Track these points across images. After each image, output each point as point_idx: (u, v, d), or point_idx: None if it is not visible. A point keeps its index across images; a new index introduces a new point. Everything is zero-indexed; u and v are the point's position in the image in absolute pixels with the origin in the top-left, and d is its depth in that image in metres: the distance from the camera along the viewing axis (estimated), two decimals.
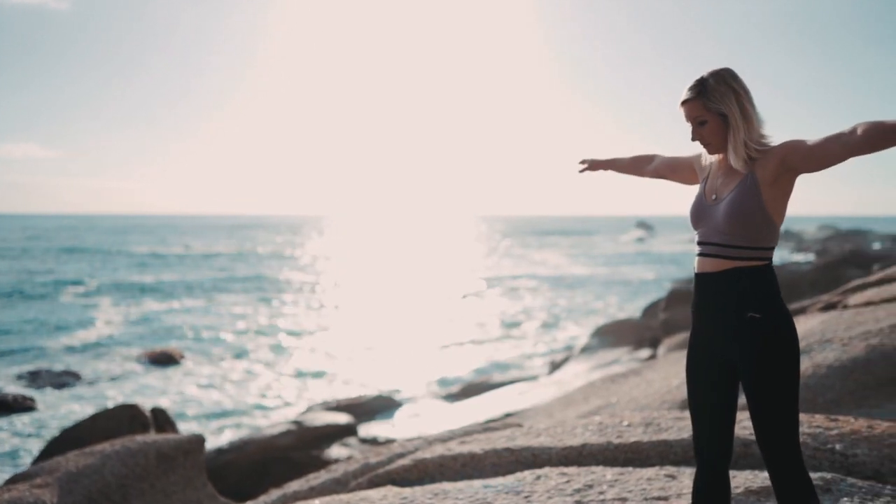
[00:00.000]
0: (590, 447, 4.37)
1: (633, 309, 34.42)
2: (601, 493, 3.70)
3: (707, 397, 2.78)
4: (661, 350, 17.75)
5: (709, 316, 2.74)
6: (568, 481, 3.89)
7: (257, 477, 12.54)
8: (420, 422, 15.90)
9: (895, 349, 6.70)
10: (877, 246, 43.43)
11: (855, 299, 9.20)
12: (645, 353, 19.40)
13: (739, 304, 2.64)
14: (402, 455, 5.14)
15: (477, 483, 4.04)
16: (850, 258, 25.25)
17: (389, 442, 13.88)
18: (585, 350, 21.91)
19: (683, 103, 2.76)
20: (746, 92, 2.68)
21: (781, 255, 58.39)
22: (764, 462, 2.66)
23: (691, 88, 2.73)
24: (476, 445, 4.66)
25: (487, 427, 5.56)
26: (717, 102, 2.67)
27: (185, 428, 15.98)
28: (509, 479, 4.03)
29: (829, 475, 3.68)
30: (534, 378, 19.74)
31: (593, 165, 3.46)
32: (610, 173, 3.47)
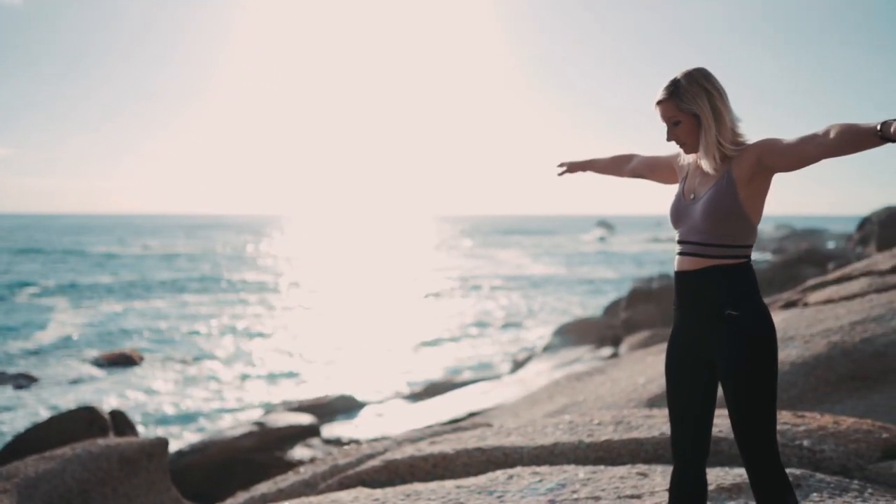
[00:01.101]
0: (561, 446, 4.37)
1: (594, 308, 34.66)
2: (574, 492, 3.69)
3: (685, 395, 2.79)
4: (623, 348, 17.89)
5: (688, 314, 2.75)
6: (540, 480, 3.88)
7: (219, 479, 12.38)
8: (383, 422, 15.83)
9: (855, 346, 6.82)
10: (831, 245, 44.29)
11: (815, 297, 9.34)
12: (607, 351, 19.54)
13: (717, 302, 2.64)
14: (371, 456, 5.09)
15: (449, 483, 4.01)
16: (805, 257, 25.67)
17: (353, 442, 13.80)
18: (548, 349, 22.01)
19: (657, 104, 2.76)
20: (720, 91, 2.68)
21: None
22: (742, 459, 2.66)
23: (665, 89, 2.73)
24: (447, 445, 4.63)
25: (457, 427, 5.53)
26: (689, 103, 2.67)
27: (146, 431, 15.73)
28: (481, 479, 4.00)
29: (798, 471, 3.72)
30: (497, 377, 19.77)
31: (572, 167, 3.45)
32: (589, 174, 3.46)
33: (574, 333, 22.79)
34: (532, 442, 4.46)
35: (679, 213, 2.80)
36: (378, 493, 4.08)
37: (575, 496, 3.64)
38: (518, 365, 21.29)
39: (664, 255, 76.26)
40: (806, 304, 9.32)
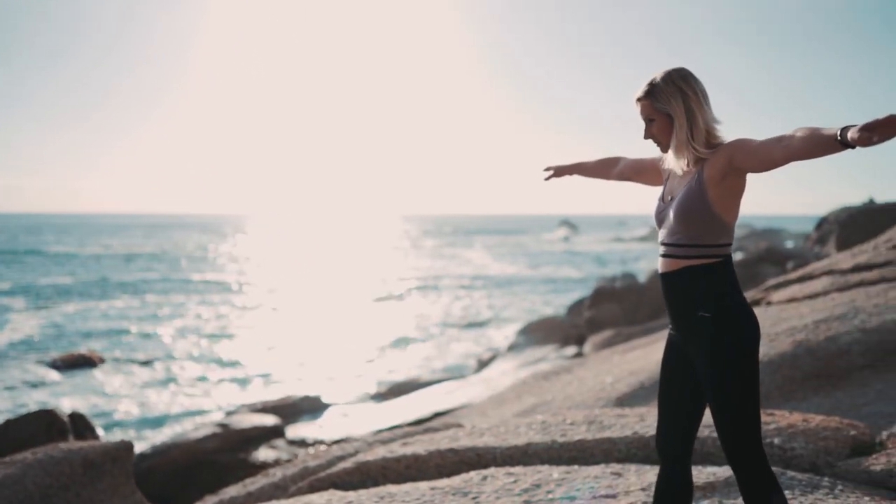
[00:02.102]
0: (534, 446, 4.35)
1: (558, 307, 34.82)
2: (549, 492, 3.67)
3: (675, 392, 2.81)
4: (587, 347, 17.99)
5: (672, 315, 2.77)
6: (515, 481, 3.85)
7: (182, 482, 12.22)
8: (348, 422, 15.73)
9: (819, 345, 6.90)
10: (790, 244, 44.96)
11: (778, 296, 9.46)
12: (571, 350, 19.64)
13: (692, 304, 2.65)
14: (342, 458, 5.03)
15: (423, 485, 3.96)
16: (765, 256, 26.00)
17: (318, 443, 13.71)
18: (512, 348, 22.07)
19: (636, 101, 2.78)
20: (696, 93, 2.67)
21: None
22: (727, 461, 2.66)
23: (643, 88, 2.75)
24: (419, 446, 4.59)
25: (429, 428, 5.49)
26: (664, 102, 2.69)
27: (106, 434, 15.46)
28: (455, 481, 3.97)
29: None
30: (462, 377, 19.76)
31: (559, 171, 3.45)
32: (571, 177, 3.48)
33: (538, 333, 22.87)
34: (505, 442, 4.44)
35: (659, 214, 2.82)
36: (351, 495, 4.02)
37: (550, 496, 3.62)
38: (483, 364, 21.30)
39: (627, 255, 76.97)
40: (769, 303, 9.43)
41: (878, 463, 4.00)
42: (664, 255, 2.75)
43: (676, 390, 2.80)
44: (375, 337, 28.39)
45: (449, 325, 31.88)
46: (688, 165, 2.70)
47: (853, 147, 2.15)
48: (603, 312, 23.08)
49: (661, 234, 2.78)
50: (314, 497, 4.12)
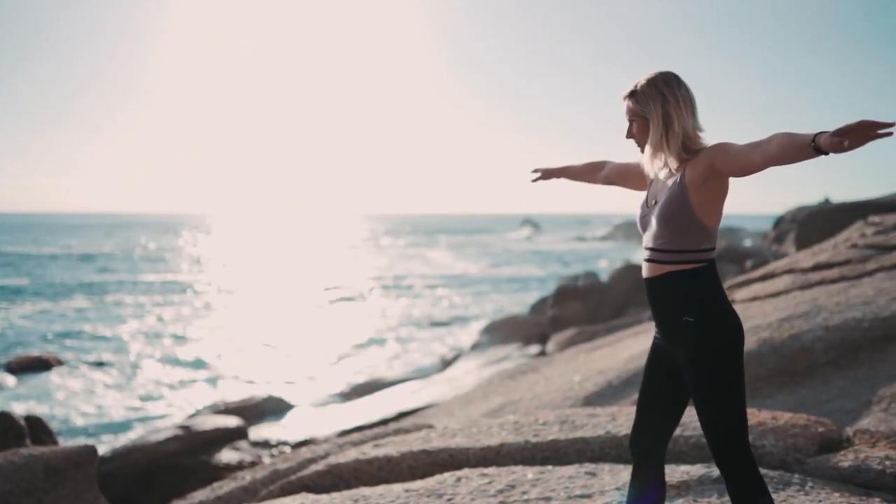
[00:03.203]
0: (507, 447, 4.33)
1: (521, 306, 34.94)
2: (524, 493, 3.65)
3: (655, 395, 2.83)
4: (550, 346, 18.05)
5: (656, 319, 2.79)
6: (490, 482, 3.83)
7: (143, 486, 12.02)
8: (312, 423, 15.60)
9: (783, 342, 7.00)
10: (748, 243, 45.62)
11: (741, 294, 9.57)
12: (534, 349, 19.69)
13: (676, 309, 2.66)
14: (312, 460, 4.96)
15: (397, 487, 3.92)
16: (724, 254, 26.34)
17: (282, 444, 13.58)
18: (476, 347, 22.08)
19: (623, 99, 2.81)
20: (678, 99, 2.67)
21: None
22: (714, 462, 2.68)
23: (628, 88, 2.78)
24: (391, 448, 4.55)
25: (400, 429, 5.44)
26: (643, 105, 2.71)
27: (64, 438, 15.16)
28: (430, 482, 3.93)
29: None
30: (425, 376, 19.72)
31: (546, 174, 3.46)
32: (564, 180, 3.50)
33: (501, 331, 22.91)
34: (478, 443, 4.41)
35: (642, 219, 2.82)
36: (324, 498, 3.97)
37: (525, 497, 3.60)
38: (446, 364, 21.28)
39: (590, 253, 77.53)
40: (733, 301, 9.53)
41: (846, 459, 4.05)
42: (648, 260, 2.75)
43: (658, 392, 2.82)
44: (338, 337, 28.22)
45: (412, 325, 31.82)
46: (662, 169, 2.72)
47: (826, 153, 2.17)
48: (566, 311, 23.20)
49: (645, 239, 2.78)
50: (286, 500, 4.06)
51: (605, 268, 41.28)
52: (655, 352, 2.84)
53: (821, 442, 4.29)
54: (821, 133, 2.17)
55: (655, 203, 2.75)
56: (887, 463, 3.97)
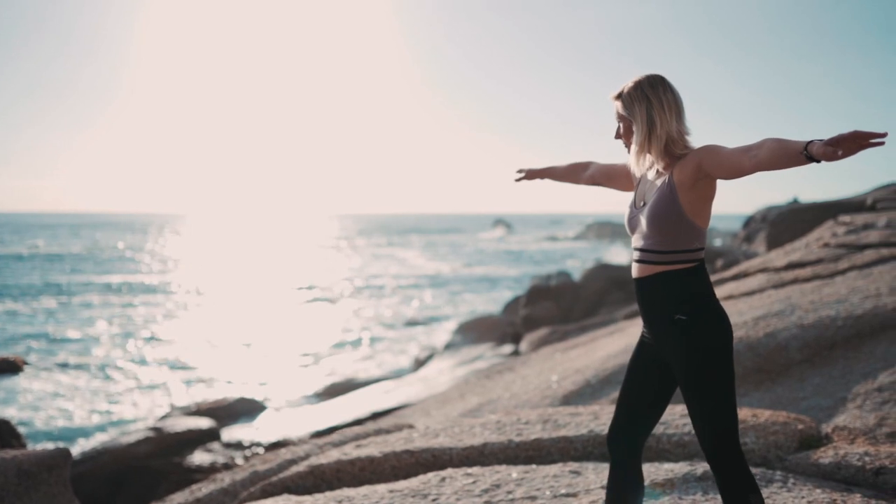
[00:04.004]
0: (491, 446, 4.31)
1: (494, 305, 34.99)
2: (509, 492, 3.63)
3: (638, 392, 2.83)
4: (524, 345, 18.08)
5: (645, 319, 2.79)
6: (474, 482, 3.81)
7: (114, 488, 11.86)
8: (285, 424, 15.49)
9: (759, 341, 7.04)
10: (718, 243, 46.06)
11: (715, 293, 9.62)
12: (507, 348, 19.71)
13: (668, 308, 2.67)
14: (293, 461, 4.90)
15: (381, 488, 3.88)
16: None
17: (255, 445, 13.46)
18: (449, 347, 22.07)
19: (612, 101, 2.85)
20: (662, 102, 2.69)
21: (631, 253, 60.88)
22: (706, 460, 2.70)
23: (617, 90, 2.80)
24: (374, 448, 4.50)
25: (380, 429, 5.40)
26: (627, 107, 2.74)
27: (33, 442, 14.92)
28: (414, 483, 3.90)
29: None
30: (398, 376, 19.68)
31: (530, 175, 3.47)
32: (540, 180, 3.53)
33: (475, 331, 22.93)
34: (461, 443, 4.39)
35: (631, 219, 2.84)
36: (307, 499, 3.92)
37: (511, 496, 3.58)
38: (420, 363, 21.24)
39: (562, 253, 77.87)
40: None
41: (826, 456, 4.08)
42: (638, 261, 2.76)
43: (641, 390, 2.83)
44: (311, 337, 28.08)
45: (385, 325, 31.73)
46: (649, 170, 2.75)
47: (818, 161, 2.19)
48: (539, 310, 23.24)
49: (635, 240, 2.80)
50: (267, 502, 4.01)
51: (577, 267, 41.46)
52: (641, 350, 2.85)
53: (801, 439, 4.32)
54: (812, 142, 2.18)
55: (644, 204, 2.76)
56: (866, 459, 4.00)
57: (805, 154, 2.20)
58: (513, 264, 65.42)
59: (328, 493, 3.92)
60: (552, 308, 23.54)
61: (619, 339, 8.95)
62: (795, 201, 34.40)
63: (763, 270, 9.98)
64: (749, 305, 8.18)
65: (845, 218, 12.37)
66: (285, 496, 4.07)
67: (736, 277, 10.25)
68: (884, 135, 2.09)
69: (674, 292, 2.65)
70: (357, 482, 4.26)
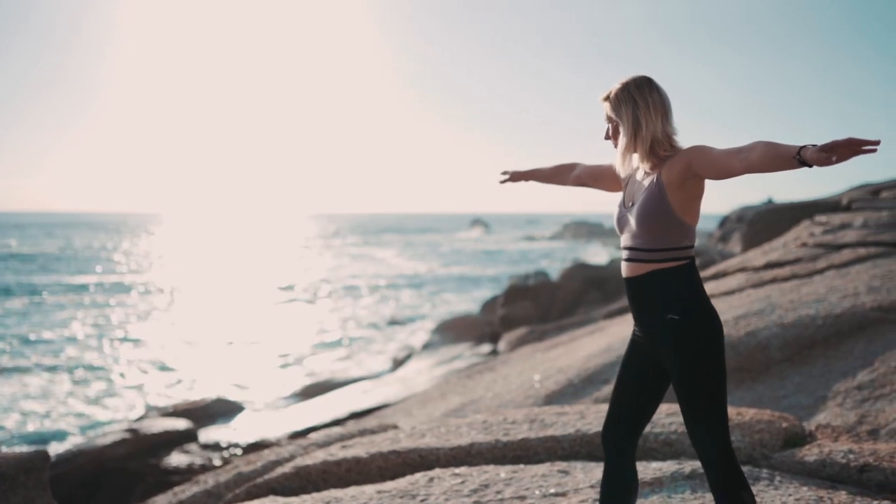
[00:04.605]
0: (478, 446, 4.29)
1: (472, 305, 35.00)
2: (498, 492, 3.62)
3: (631, 390, 2.84)
4: (502, 345, 18.10)
5: (637, 318, 2.80)
6: (463, 482, 3.79)
7: (90, 491, 11.73)
8: (263, 424, 15.39)
9: (740, 340, 7.09)
10: None
11: None
12: (486, 348, 19.72)
13: (659, 307, 2.68)
14: (277, 462, 4.85)
15: (369, 489, 3.85)
16: None
17: (233, 446, 13.36)
18: (427, 346, 22.05)
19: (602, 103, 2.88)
20: (648, 104, 2.71)
21: (609, 253, 61.34)
22: (698, 458, 2.71)
23: (605, 92, 2.83)
24: (360, 449, 4.47)
25: (365, 429, 5.36)
26: (614, 109, 2.77)
27: (6, 444, 14.72)
28: (402, 483, 3.87)
29: None
30: (377, 376, 19.63)
31: (514, 177, 3.48)
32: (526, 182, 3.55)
33: (453, 331, 22.92)
34: (448, 443, 4.36)
35: (620, 219, 2.85)
36: (294, 501, 3.88)
37: (500, 496, 3.56)
38: (398, 363, 21.20)
39: (540, 253, 78.10)
40: None
41: (811, 454, 4.11)
42: (629, 260, 2.77)
43: (634, 388, 2.84)
44: (288, 338, 27.93)
45: (363, 325, 31.65)
46: (637, 170, 2.78)
47: (811, 166, 2.22)
48: (516, 310, 23.26)
49: (624, 239, 2.81)
50: None
51: (555, 267, 41.57)
52: (634, 348, 2.86)
53: (785, 437, 4.34)
54: (805, 147, 2.21)
55: (633, 204, 2.78)
56: (851, 457, 4.03)
57: (798, 158, 2.23)
58: (490, 264, 65.51)
59: (315, 495, 3.88)
60: (530, 308, 23.57)
61: (601, 339, 8.96)
62: (770, 201, 34.73)
63: (742, 270, 10.04)
64: (729, 305, 8.23)
65: (821, 218, 12.48)
66: (271, 498, 4.02)
67: (715, 277, 10.31)
68: (877, 142, 2.12)
69: (666, 291, 2.66)
70: (344, 483, 4.23)
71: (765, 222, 16.08)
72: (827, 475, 3.98)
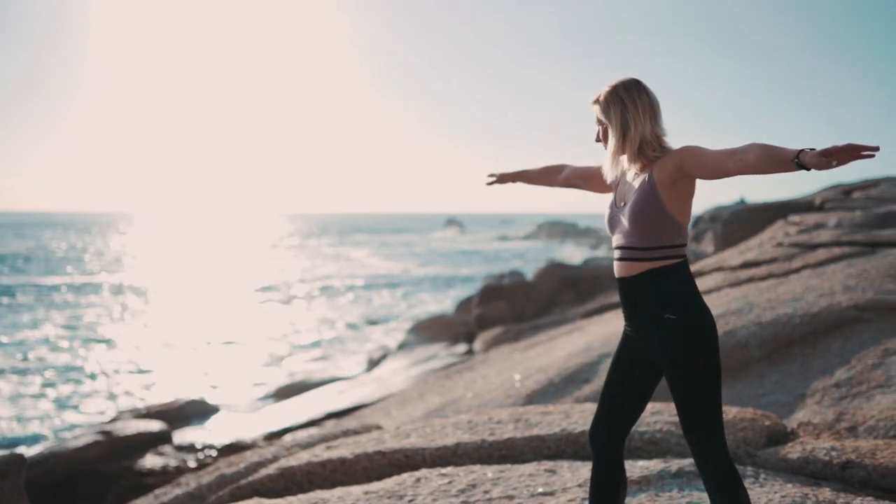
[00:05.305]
0: (464, 446, 4.27)
1: (447, 305, 34.99)
2: (486, 492, 3.60)
3: (622, 388, 2.84)
4: (478, 345, 18.11)
5: (630, 317, 2.79)
6: (450, 482, 3.76)
7: (62, 495, 11.56)
8: (238, 425, 15.28)
9: (719, 339, 7.08)
10: None
11: None
12: (461, 348, 19.72)
13: (655, 306, 2.68)
14: (261, 464, 4.80)
15: (356, 489, 3.81)
16: None
17: (208, 448, 13.25)
18: (402, 346, 22.01)
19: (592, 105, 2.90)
20: (637, 106, 2.73)
21: (582, 253, 61.65)
22: (693, 456, 2.71)
23: (595, 95, 2.84)
24: (345, 450, 4.43)
25: (348, 430, 5.32)
26: (603, 112, 2.78)
27: None
28: (389, 484, 3.84)
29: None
30: (352, 376, 19.56)
31: (502, 178, 3.48)
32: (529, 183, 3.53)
33: (428, 331, 22.89)
34: (433, 443, 4.34)
35: (612, 220, 2.85)
36: (279, 502, 3.83)
37: (488, 496, 3.54)
38: (373, 363, 21.15)
39: (514, 253, 78.28)
40: None
41: (794, 451, 4.14)
42: (622, 259, 2.77)
43: (624, 386, 2.84)
44: (263, 338, 27.75)
45: (338, 325, 31.53)
46: (628, 170, 2.78)
47: (808, 169, 2.23)
48: (492, 310, 23.28)
49: (616, 239, 2.81)
50: None
51: (529, 267, 41.67)
52: (626, 346, 2.86)
53: (768, 435, 4.37)
54: (804, 150, 2.22)
55: (624, 204, 2.79)
56: (833, 454, 4.07)
57: (797, 162, 2.24)
58: (465, 264, 65.56)
59: (301, 496, 3.84)
60: (505, 308, 23.59)
61: (580, 339, 8.98)
62: (742, 202, 35.06)
63: (719, 269, 10.12)
64: (707, 304, 8.26)
65: (795, 218, 12.61)
66: (256, 499, 3.97)
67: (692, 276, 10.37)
68: (876, 148, 2.14)
69: (661, 290, 2.67)
70: (329, 484, 4.19)
71: (739, 222, 16.23)
72: (810, 472, 4.01)
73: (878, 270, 8.19)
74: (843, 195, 15.44)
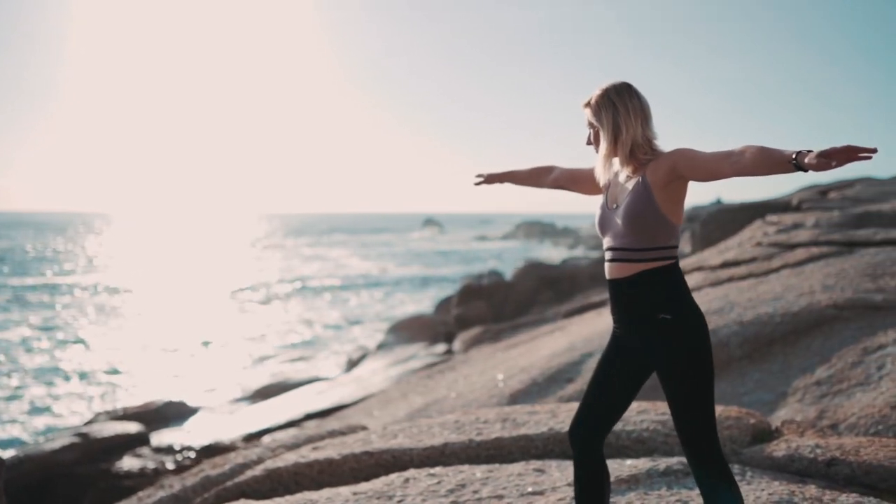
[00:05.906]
0: (451, 446, 4.26)
1: (426, 305, 34.98)
2: (475, 492, 3.59)
3: (608, 387, 2.83)
4: (457, 345, 18.11)
5: (622, 319, 2.79)
6: (439, 482, 3.75)
7: (39, 497, 11.43)
8: (217, 426, 15.17)
9: None
10: None
11: None
12: (441, 348, 19.72)
13: (649, 307, 2.68)
14: (246, 465, 4.76)
15: (344, 490, 3.79)
16: None
17: (187, 449, 13.14)
18: (382, 347, 21.97)
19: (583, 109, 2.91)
20: (628, 109, 2.73)
21: (560, 253, 61.86)
22: (685, 456, 2.72)
23: (586, 99, 2.85)
24: (331, 450, 4.40)
25: (333, 430, 5.29)
26: (595, 115, 2.79)
27: None
28: (377, 484, 3.82)
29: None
30: (331, 377, 19.49)
31: (489, 179, 3.47)
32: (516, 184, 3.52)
33: (407, 331, 22.87)
34: (421, 443, 4.32)
35: (604, 221, 2.85)
36: None
37: (477, 496, 3.53)
38: (353, 364, 21.09)
39: (492, 252, 78.41)
40: None
41: (779, 449, 4.16)
42: (615, 260, 2.77)
43: (610, 387, 2.84)
44: (240, 339, 27.59)
45: (316, 325, 31.42)
46: (621, 172, 2.79)
47: (806, 171, 2.24)
48: (471, 310, 23.31)
49: (608, 241, 2.81)
50: None
51: (508, 267, 41.74)
52: (615, 346, 2.85)
53: (753, 433, 4.40)
54: (801, 152, 2.23)
55: (617, 206, 2.79)
56: (818, 451, 4.10)
57: (794, 163, 2.24)
58: (444, 264, 65.58)
59: (288, 498, 3.81)
60: (484, 307, 23.62)
61: (562, 338, 9.00)
62: (719, 202, 35.33)
63: (699, 269, 10.18)
64: None
65: (773, 218, 12.71)
66: (242, 501, 3.94)
67: None
68: (874, 150, 2.15)
69: (655, 291, 2.67)
70: (316, 485, 4.17)
71: (718, 222, 16.35)
72: (796, 469, 4.03)
73: (856, 270, 8.28)
74: (819, 195, 15.59)
